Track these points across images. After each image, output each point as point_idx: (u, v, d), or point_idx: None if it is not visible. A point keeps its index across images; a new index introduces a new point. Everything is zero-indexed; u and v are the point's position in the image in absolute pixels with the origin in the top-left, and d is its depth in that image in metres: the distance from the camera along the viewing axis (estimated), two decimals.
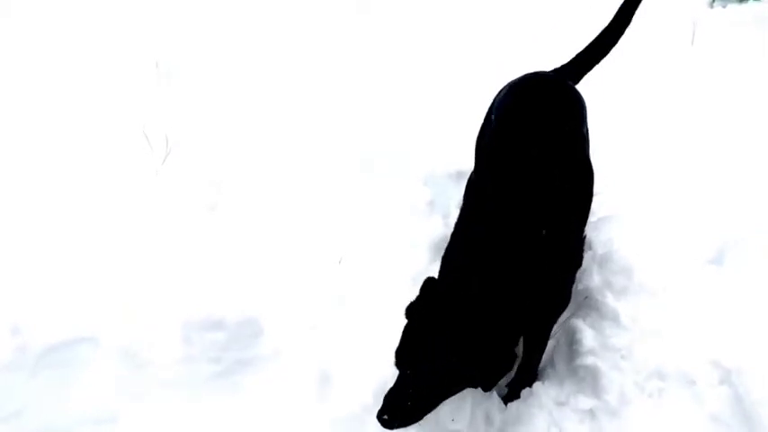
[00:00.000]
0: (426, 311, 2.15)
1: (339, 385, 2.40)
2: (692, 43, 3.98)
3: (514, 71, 3.06)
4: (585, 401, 2.46)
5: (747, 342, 2.40)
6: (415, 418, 2.16)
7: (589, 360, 2.50)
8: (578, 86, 2.68)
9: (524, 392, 2.58)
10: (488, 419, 2.56)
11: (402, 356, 2.14)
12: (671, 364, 2.47)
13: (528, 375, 2.56)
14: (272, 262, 2.66)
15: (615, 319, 2.54)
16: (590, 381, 2.48)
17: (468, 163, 2.66)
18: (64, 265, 2.56)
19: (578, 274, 2.64)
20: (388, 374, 2.70)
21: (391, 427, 2.11)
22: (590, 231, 2.73)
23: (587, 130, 2.59)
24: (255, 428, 2.30)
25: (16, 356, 2.31)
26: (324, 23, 3.96)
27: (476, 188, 2.47)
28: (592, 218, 2.88)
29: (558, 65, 2.72)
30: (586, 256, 2.68)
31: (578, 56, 2.71)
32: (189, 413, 2.29)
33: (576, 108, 2.55)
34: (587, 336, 2.53)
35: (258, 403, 2.31)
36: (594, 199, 2.97)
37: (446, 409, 2.53)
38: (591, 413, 2.45)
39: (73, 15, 3.97)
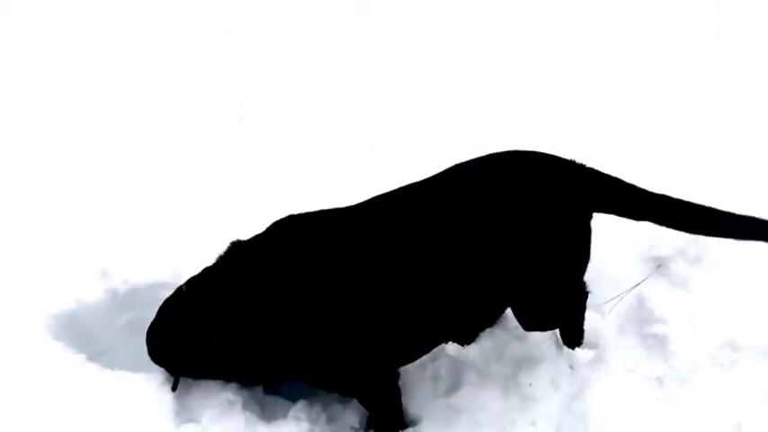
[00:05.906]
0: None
1: None
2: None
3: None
4: (654, 369, 2.44)
5: None
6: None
7: (659, 328, 2.48)
8: None
9: (591, 358, 2.58)
10: (554, 383, 2.56)
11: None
12: (745, 336, 2.42)
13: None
14: None
15: (687, 287, 2.52)
16: (659, 348, 2.46)
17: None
18: (147, 215, 2.75)
19: (651, 242, 2.63)
20: None
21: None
22: None
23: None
24: None
25: (105, 298, 2.46)
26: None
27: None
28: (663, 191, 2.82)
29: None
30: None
31: (658, 197, 2.21)
32: None
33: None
34: (658, 303, 2.51)
35: None
36: (664, 174, 2.87)
37: (526, 373, 2.54)
38: (659, 380, 2.42)
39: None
